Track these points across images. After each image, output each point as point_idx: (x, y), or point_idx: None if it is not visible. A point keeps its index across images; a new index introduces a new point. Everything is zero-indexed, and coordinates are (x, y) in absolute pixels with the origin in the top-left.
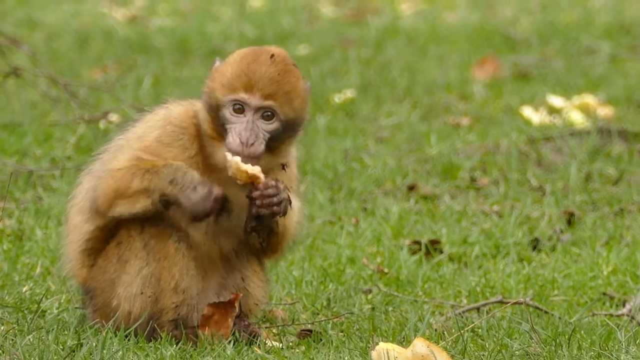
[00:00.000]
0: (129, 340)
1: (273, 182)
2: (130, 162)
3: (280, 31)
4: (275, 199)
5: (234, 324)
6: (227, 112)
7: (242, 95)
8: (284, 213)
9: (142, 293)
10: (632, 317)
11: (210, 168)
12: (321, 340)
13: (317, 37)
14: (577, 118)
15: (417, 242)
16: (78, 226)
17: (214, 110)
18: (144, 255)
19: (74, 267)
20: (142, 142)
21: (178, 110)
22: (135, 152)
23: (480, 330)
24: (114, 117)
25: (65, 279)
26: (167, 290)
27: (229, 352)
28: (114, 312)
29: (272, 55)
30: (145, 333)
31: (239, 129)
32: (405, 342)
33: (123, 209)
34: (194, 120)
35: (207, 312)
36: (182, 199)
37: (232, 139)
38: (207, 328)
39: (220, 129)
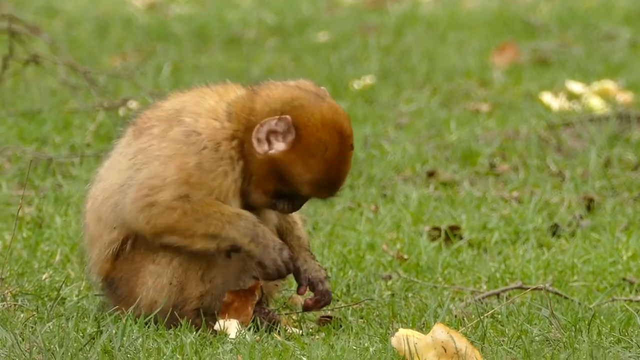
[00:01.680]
0: (148, 327)
1: (322, 303)
2: (182, 201)
3: (300, 18)
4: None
5: (254, 312)
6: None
7: (322, 194)
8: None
9: (170, 283)
10: None
11: (244, 192)
12: (341, 326)
13: (337, 24)
14: (596, 104)
15: (437, 229)
16: (102, 236)
17: (281, 180)
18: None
19: (96, 264)
20: (183, 171)
21: (209, 132)
22: (183, 187)
23: (500, 316)
24: (133, 105)
25: (86, 270)
26: (193, 280)
27: (248, 339)
28: (134, 299)
29: (352, 148)
30: (165, 320)
31: (295, 206)
32: (425, 328)
33: (174, 241)
34: (233, 144)
35: (227, 299)
36: (266, 261)
37: (286, 207)
38: (226, 315)
39: (270, 188)
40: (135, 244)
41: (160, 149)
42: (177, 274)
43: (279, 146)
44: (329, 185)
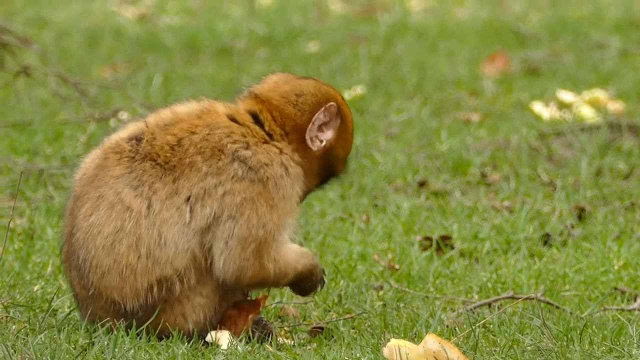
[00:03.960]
0: (140, 338)
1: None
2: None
3: (290, 28)
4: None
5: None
6: None
7: (346, 167)
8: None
9: (213, 314)
10: None
11: None
12: (332, 337)
13: (327, 34)
14: (587, 113)
15: (428, 238)
16: (149, 271)
17: (327, 168)
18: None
19: (133, 291)
20: (275, 209)
21: (275, 159)
22: (282, 229)
23: (491, 325)
24: (124, 116)
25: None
26: (225, 308)
27: (240, 350)
28: (174, 327)
29: None
30: (157, 331)
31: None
32: (416, 338)
33: (259, 288)
34: (295, 160)
35: (232, 312)
36: (313, 288)
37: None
38: (219, 326)
39: (316, 182)
40: (185, 278)
41: (232, 192)
42: (217, 300)
43: (328, 135)
44: (350, 156)
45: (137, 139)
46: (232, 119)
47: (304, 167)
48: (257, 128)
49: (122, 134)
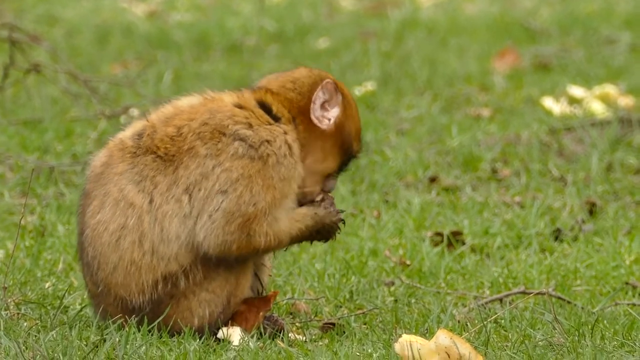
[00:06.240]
0: (152, 335)
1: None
2: (274, 226)
3: (300, 25)
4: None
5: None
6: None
7: (361, 146)
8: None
9: (220, 311)
10: None
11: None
12: (344, 332)
13: (337, 30)
14: (597, 108)
15: (439, 234)
16: (154, 267)
17: (342, 146)
18: (227, 275)
19: (139, 287)
20: (270, 189)
21: (278, 137)
22: (274, 209)
23: (503, 321)
24: (134, 113)
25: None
26: (235, 304)
27: (252, 346)
28: (185, 322)
29: None
30: (169, 328)
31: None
32: (428, 333)
33: (255, 256)
34: (298, 142)
35: (242, 308)
36: (329, 235)
37: (331, 183)
38: (229, 322)
39: (336, 163)
40: (191, 274)
41: (230, 169)
42: (226, 302)
43: (335, 111)
44: (361, 133)
45: (139, 135)
46: (237, 106)
47: (319, 149)
48: (261, 112)
49: (127, 132)
